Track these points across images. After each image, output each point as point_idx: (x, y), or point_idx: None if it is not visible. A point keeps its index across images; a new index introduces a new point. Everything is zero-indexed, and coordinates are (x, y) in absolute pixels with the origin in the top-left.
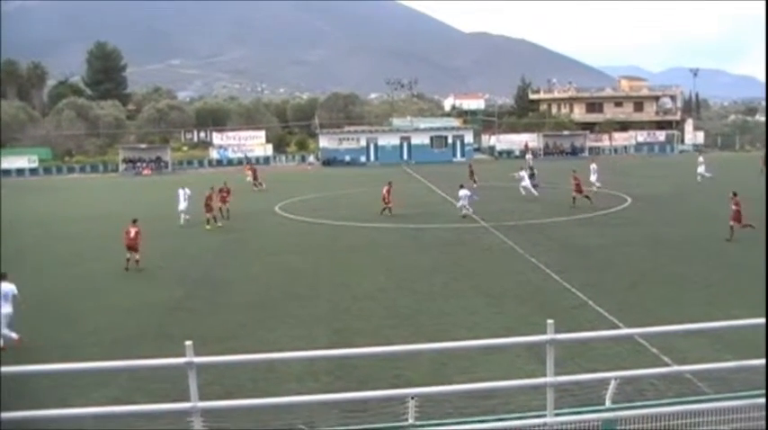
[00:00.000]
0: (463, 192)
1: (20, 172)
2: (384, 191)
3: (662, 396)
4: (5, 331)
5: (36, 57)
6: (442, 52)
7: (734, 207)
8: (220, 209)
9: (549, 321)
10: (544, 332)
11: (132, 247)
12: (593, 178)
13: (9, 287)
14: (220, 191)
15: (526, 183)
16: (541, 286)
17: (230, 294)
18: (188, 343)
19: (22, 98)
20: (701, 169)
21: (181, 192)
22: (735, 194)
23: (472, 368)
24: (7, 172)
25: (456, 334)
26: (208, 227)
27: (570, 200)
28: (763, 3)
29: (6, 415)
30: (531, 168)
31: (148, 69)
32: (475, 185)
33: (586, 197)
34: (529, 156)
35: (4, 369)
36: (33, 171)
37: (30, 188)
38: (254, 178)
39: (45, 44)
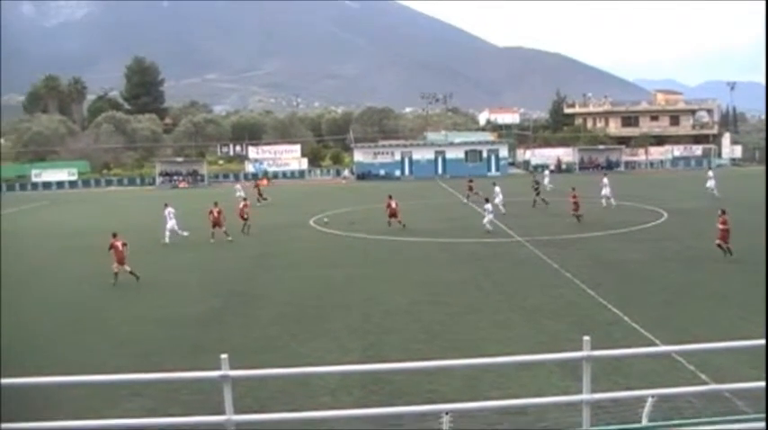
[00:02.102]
0: (489, 206)
1: (60, 184)
2: (393, 204)
3: (699, 414)
4: None
5: (76, 72)
6: (476, 66)
7: (720, 226)
8: (245, 224)
9: (586, 338)
10: (579, 348)
11: (123, 261)
12: (604, 192)
13: None
14: (244, 206)
15: (498, 200)
16: (576, 301)
17: (262, 307)
18: (223, 356)
19: (63, 112)
20: (710, 184)
21: (166, 211)
22: (723, 212)
23: (507, 384)
24: (48, 184)
25: (490, 349)
26: (229, 238)
27: (584, 218)
28: None
29: (36, 425)
30: (537, 182)
31: (185, 84)
32: (477, 194)
33: (575, 216)
34: (546, 172)
35: (43, 379)
36: (72, 184)
37: (67, 200)
38: (259, 193)
39: (85, 59)
